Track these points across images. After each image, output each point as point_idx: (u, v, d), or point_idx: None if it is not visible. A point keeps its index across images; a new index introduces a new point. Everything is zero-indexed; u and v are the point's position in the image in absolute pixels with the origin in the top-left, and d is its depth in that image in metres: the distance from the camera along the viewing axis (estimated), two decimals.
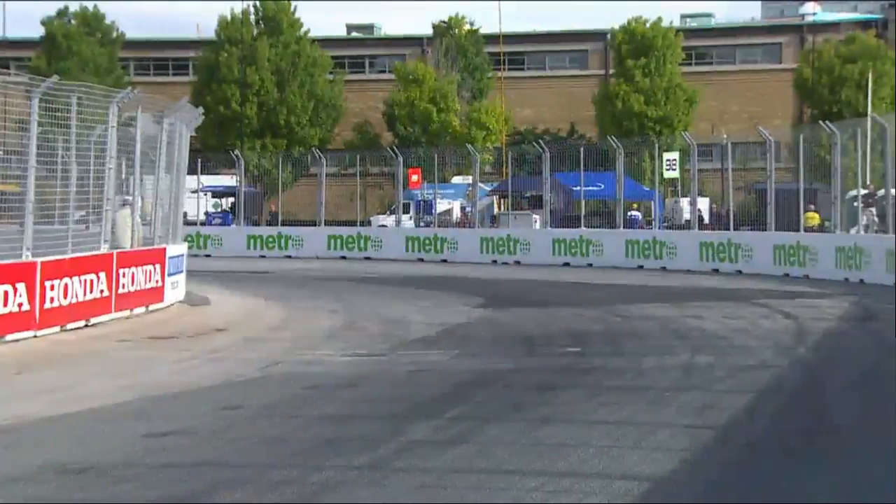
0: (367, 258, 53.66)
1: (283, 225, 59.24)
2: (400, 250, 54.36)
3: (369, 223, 60.62)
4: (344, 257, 54.11)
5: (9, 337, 22.31)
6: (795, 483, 12.08)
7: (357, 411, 16.20)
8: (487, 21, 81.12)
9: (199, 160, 54.87)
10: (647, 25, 70.82)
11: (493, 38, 75.72)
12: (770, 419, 16.15)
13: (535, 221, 54.49)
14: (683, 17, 78.97)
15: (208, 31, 75.26)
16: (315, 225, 57.79)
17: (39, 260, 23.90)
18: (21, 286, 23.07)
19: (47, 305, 23.82)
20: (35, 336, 23.07)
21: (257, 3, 73.13)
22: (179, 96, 41.40)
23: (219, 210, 64.90)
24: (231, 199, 64.47)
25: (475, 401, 17.13)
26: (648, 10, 74.59)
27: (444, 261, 51.31)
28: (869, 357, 22.86)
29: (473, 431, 14.72)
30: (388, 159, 61.72)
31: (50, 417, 15.66)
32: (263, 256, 54.46)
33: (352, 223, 58.37)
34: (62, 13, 75.66)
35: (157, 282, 29.39)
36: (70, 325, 24.45)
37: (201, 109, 40.55)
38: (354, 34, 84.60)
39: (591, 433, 14.63)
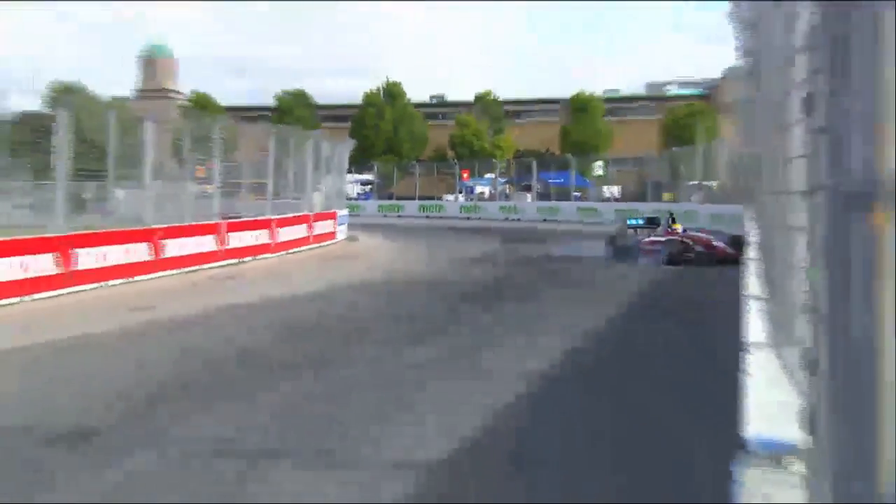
0: (440, 217, 52.95)
1: (396, 199, 58.80)
2: (457, 213, 53.54)
3: (441, 198, 59.95)
4: (428, 217, 53.29)
5: (259, 257, 22.94)
6: (666, 327, 12.60)
7: (429, 297, 16.53)
8: (505, 88, 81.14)
9: (353, 166, 55.09)
10: (587, 94, 71.05)
11: (508, 101, 76.37)
12: (649, 299, 16.67)
13: (528, 198, 54.49)
14: (605, 91, 77.68)
15: (356, 98, 75.54)
16: (413, 199, 57.17)
17: (274, 217, 24.56)
18: (265, 231, 23.83)
19: (278, 240, 24.46)
20: (273, 257, 23.73)
21: (384, 84, 73.81)
22: (343, 135, 42.12)
23: (364, 192, 64.99)
24: (370, 186, 64.69)
25: (496, 290, 17.53)
26: (588, 86, 73.67)
27: (479, 219, 51.01)
28: None
29: (495, 307, 15.06)
30: (451, 165, 62.24)
31: (282, 296, 16.16)
32: (386, 216, 54.16)
33: (431, 198, 58.05)
34: (286, 91, 76.27)
35: (332, 229, 29.86)
36: (290, 251, 25.05)
37: (354, 141, 41.22)
38: (434, 99, 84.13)
39: (556, 309, 14.94)
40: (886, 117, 0.53)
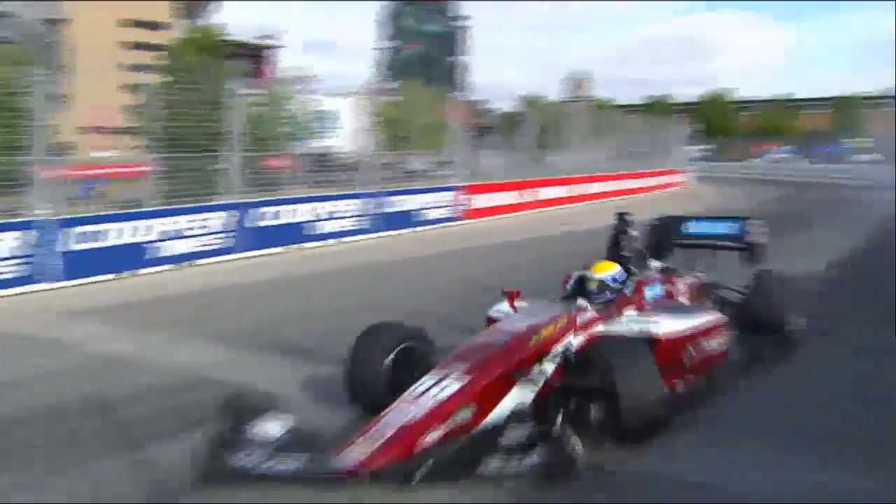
0: (750, 173, 37.93)
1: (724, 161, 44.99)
2: (761, 170, 38.05)
3: (752, 160, 49.19)
4: (742, 172, 38.41)
5: (639, 195, 23.39)
6: None
7: None
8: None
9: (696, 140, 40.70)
10: (849, 95, 65.73)
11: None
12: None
13: (809, 162, 46.50)
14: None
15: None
16: (736, 161, 46.41)
17: (646, 171, 25.19)
18: (641, 180, 25.04)
19: (648, 185, 25.24)
20: (645, 195, 23.65)
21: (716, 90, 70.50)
22: (689, 122, 40.10)
23: (702, 156, 44.31)
24: (708, 152, 49.67)
25: (795, 217, 15.80)
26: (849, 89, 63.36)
27: (780, 174, 35.73)
28: None
29: (795, 227, 13.44)
30: (759, 140, 57.17)
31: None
32: (716, 172, 36.46)
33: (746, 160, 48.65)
34: (651, 97, 75.08)
35: (681, 179, 28.45)
36: (655, 192, 25.13)
37: (693, 126, 38.84)
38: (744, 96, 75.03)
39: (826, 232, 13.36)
40: None
